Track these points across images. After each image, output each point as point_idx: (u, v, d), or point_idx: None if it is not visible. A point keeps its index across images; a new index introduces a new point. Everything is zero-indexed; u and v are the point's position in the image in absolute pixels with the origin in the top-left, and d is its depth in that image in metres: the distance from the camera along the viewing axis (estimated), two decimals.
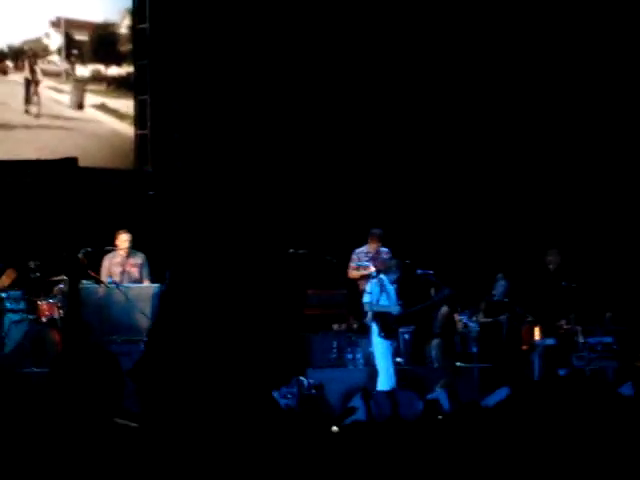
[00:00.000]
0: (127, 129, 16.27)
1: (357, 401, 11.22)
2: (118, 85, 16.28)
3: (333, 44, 16.41)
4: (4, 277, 12.73)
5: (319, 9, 16.38)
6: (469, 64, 16.67)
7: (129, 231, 13.46)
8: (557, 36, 16.51)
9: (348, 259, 14.20)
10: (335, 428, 5.69)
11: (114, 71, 16.31)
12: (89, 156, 15.32)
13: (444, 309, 13.95)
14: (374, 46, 16.51)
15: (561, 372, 13.27)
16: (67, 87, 15.95)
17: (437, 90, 16.67)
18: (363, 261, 14.09)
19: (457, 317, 13.92)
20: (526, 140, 16.72)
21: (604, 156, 16.57)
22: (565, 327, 14.39)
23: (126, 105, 16.31)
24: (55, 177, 12.95)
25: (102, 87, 16.23)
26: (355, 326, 14.01)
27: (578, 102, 16.62)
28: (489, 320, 13.79)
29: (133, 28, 16.25)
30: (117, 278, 13.16)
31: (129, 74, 16.33)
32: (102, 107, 16.13)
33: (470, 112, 16.73)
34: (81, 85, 16.02)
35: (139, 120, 16.20)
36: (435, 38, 16.60)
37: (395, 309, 12.74)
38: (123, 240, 13.35)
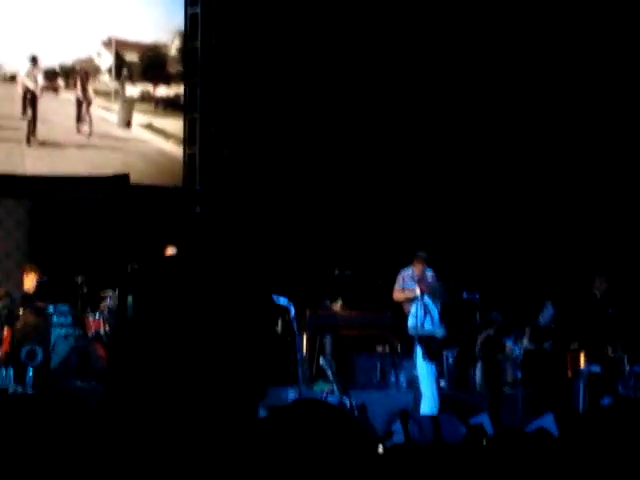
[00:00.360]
0: (173, 148, 16.42)
1: (397, 424, 11.18)
2: (166, 105, 16.46)
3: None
4: (26, 279, 12.83)
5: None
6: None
7: (176, 246, 13.56)
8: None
9: (393, 281, 14.20)
10: (381, 449, 5.70)
11: (162, 91, 16.48)
12: (138, 174, 15.46)
13: (485, 333, 13.87)
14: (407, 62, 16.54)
15: (606, 401, 13.17)
16: (116, 106, 16.14)
17: (465, 109, 16.65)
18: (408, 283, 14.08)
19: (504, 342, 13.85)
20: (573, 168, 16.64)
21: None
22: (611, 354, 14.29)
23: (173, 125, 16.47)
24: (107, 193, 13.07)
25: (150, 107, 16.40)
26: (399, 348, 13.99)
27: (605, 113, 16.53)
28: (534, 346, 13.71)
29: (184, 47, 16.42)
30: None
31: (177, 95, 16.50)
32: (149, 127, 16.30)
33: (508, 133, 16.69)
34: (129, 104, 16.19)
35: (188, 138, 16.34)
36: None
37: (439, 332, 12.70)
38: (170, 254, 13.46)
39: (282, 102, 16.22)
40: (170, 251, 13.52)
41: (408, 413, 11.69)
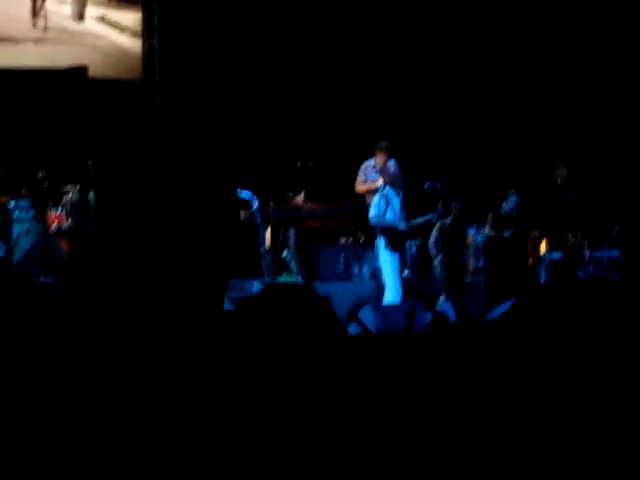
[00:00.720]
0: (128, 42, 16.15)
1: (364, 313, 11.32)
2: None
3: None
4: None
5: None
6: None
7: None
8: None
9: (356, 172, 14.18)
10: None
11: None
12: (95, 68, 15.24)
13: (441, 222, 13.91)
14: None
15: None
16: None
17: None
18: (370, 174, 14.07)
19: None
20: (536, 56, 16.59)
21: (610, 73, 16.47)
22: (572, 241, 14.44)
23: (127, 17, 16.17)
24: (64, 86, 12.91)
25: None
26: (362, 239, 14.06)
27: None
28: (496, 234, 13.81)
29: None
30: None
31: None
32: (103, 19, 16.00)
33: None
34: None
35: (147, 30, 16.08)
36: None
37: (401, 224, 12.73)
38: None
39: None
40: None
41: (375, 301, 11.85)
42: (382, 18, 16.49)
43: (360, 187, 14.13)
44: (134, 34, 16.12)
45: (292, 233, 13.66)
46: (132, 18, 16.17)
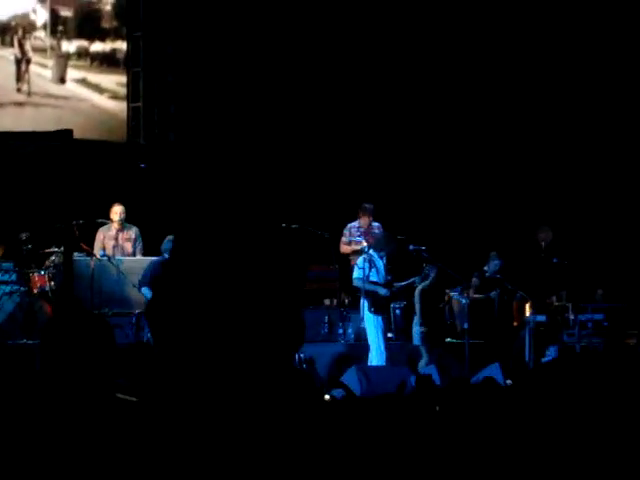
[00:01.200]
0: (110, 104, 16.22)
1: (350, 376, 11.27)
2: (101, 61, 16.26)
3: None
4: None
5: None
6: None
7: (122, 204, 13.45)
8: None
9: (340, 234, 14.21)
10: (327, 397, 5.71)
11: (98, 47, 16.27)
12: (79, 130, 15.25)
13: (421, 285, 13.91)
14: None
15: (551, 350, 13.33)
16: (50, 62, 15.89)
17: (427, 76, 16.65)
18: (355, 236, 14.10)
19: (449, 293, 13.94)
20: (519, 120, 16.72)
21: (595, 135, 16.60)
22: (556, 304, 14.46)
23: (108, 80, 16.26)
24: (50, 148, 12.94)
25: (86, 63, 16.20)
26: (347, 301, 14.04)
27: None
28: (480, 296, 13.81)
29: (122, 2, 16.22)
30: (110, 251, 13.17)
31: (113, 49, 16.30)
32: (83, 82, 16.09)
33: (461, 93, 16.72)
34: (63, 60, 15.97)
35: (132, 93, 16.17)
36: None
37: (382, 290, 12.69)
38: (116, 213, 13.36)
39: (227, 56, 16.07)
40: (116, 208, 13.40)
41: (359, 364, 11.79)
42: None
43: (344, 248, 14.15)
44: (114, 96, 16.19)
45: None
46: (112, 81, 16.26)
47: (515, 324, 13.90)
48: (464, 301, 13.60)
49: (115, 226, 13.40)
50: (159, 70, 16.16)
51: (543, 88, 16.70)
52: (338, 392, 11.00)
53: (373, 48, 16.55)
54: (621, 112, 16.52)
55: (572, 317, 14.00)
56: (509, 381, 11.12)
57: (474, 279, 14.03)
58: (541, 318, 13.74)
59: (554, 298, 14.48)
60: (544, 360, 13.10)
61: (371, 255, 12.86)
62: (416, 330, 13.60)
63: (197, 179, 13.89)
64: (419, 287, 13.57)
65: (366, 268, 12.74)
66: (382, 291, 12.68)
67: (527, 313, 13.83)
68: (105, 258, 12.76)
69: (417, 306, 13.60)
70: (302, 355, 12.63)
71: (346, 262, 13.99)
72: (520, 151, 16.65)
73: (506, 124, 16.70)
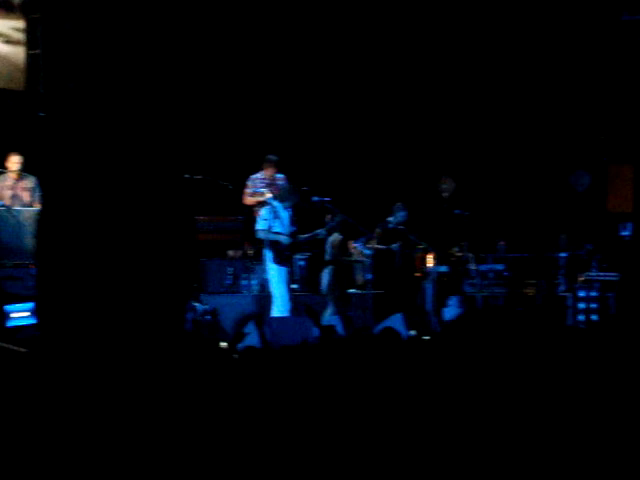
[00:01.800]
0: (3, 48, 15.79)
1: (251, 327, 11.25)
2: None
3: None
4: None
5: None
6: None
7: (20, 153, 13.18)
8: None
9: (244, 185, 14.12)
10: (224, 344, 5.67)
11: None
12: None
13: (335, 236, 13.97)
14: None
15: (452, 300, 13.48)
16: None
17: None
18: (259, 187, 14.01)
19: (352, 244, 13.99)
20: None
21: (493, 90, 16.76)
22: (458, 254, 14.62)
23: (2, 24, 15.81)
24: None
25: None
26: (251, 252, 13.98)
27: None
28: (383, 247, 13.88)
29: None
30: (7, 201, 12.91)
31: None
32: None
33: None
34: None
35: (30, 40, 15.77)
36: None
37: (285, 239, 12.67)
38: (14, 162, 13.08)
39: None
40: (13, 158, 13.12)
41: (262, 315, 11.77)
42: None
43: (248, 200, 14.06)
44: (8, 41, 15.75)
45: None
46: (6, 25, 15.81)
47: (418, 275, 14.01)
48: (367, 252, 13.65)
49: (13, 176, 13.11)
50: (58, 17, 15.77)
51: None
52: (242, 344, 11.01)
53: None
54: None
55: (474, 267, 14.18)
56: (412, 332, 11.25)
57: (377, 230, 14.07)
58: (443, 269, 13.88)
59: (456, 249, 14.64)
60: (446, 310, 13.29)
61: (275, 206, 12.81)
62: (324, 280, 13.64)
63: (87, 126, 13.71)
64: (331, 238, 13.61)
65: (270, 219, 12.68)
66: (285, 239, 12.65)
67: (429, 264, 13.95)
68: (4, 208, 12.51)
69: (327, 256, 13.65)
70: (206, 306, 12.59)
71: (250, 214, 13.92)
72: (424, 104, 16.72)
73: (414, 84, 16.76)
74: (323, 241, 13.76)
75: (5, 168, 13.07)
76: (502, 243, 15.15)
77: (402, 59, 16.69)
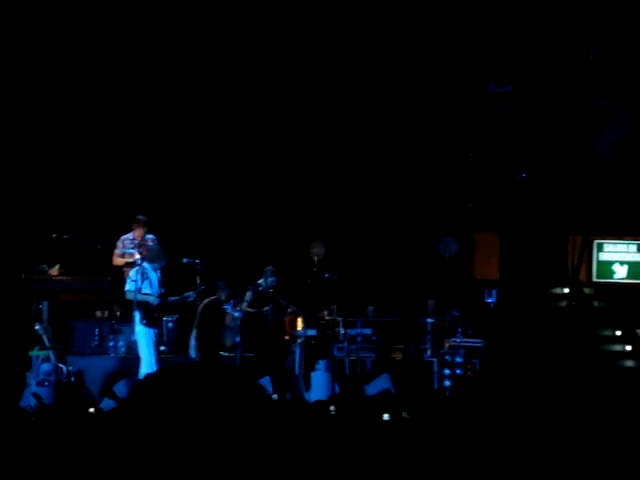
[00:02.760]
0: None
1: (120, 388, 11.13)
2: None
3: None
4: None
5: None
6: None
7: None
8: None
9: (114, 245, 14.00)
10: (92, 410, 5.61)
11: None
12: None
13: (209, 299, 13.93)
14: None
15: (320, 364, 13.52)
16: None
17: None
18: (128, 248, 13.91)
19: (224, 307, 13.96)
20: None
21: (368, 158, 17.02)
22: (327, 318, 14.71)
23: None
24: None
25: None
26: (119, 313, 13.83)
27: None
28: (253, 310, 13.87)
29: None
30: None
31: None
32: None
33: None
34: None
35: None
36: None
37: (153, 300, 12.57)
38: None
39: None
40: None
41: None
42: None
43: (117, 260, 13.94)
44: None
45: (45, 306, 13.26)
46: None
47: (287, 338, 14.03)
48: (237, 315, 13.63)
49: None
50: None
51: None
52: (107, 402, 10.86)
53: None
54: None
55: (342, 331, 14.28)
56: (275, 396, 11.24)
57: (248, 293, 14.07)
58: (312, 332, 13.94)
59: (325, 312, 14.73)
60: (313, 373, 13.32)
61: (144, 267, 12.72)
62: (192, 343, 13.56)
63: None
64: (205, 301, 13.58)
65: (139, 280, 12.59)
66: (153, 300, 12.55)
67: (299, 327, 13.99)
68: None
69: (196, 320, 13.59)
70: (70, 368, 12.36)
71: (119, 274, 13.78)
72: (295, 168, 16.87)
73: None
74: (193, 303, 13.69)
75: None
76: (371, 308, 15.29)
77: (272, 123, 16.87)
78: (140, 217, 13.99)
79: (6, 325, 12.78)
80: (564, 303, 16.06)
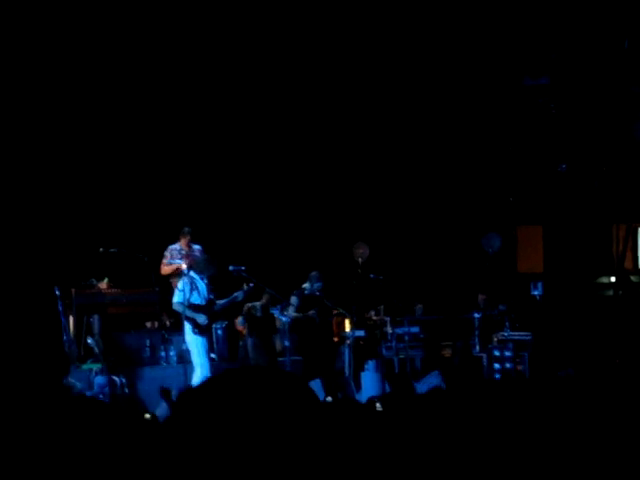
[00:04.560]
0: None
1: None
2: None
3: None
4: None
5: None
6: None
7: None
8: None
9: (161, 257, 14.16)
10: (148, 415, 5.73)
11: None
12: None
13: (250, 304, 14.04)
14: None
15: (370, 363, 13.59)
16: None
17: None
18: (175, 258, 14.07)
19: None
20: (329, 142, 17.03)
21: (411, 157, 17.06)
22: (374, 318, 14.79)
23: None
24: None
25: None
26: (168, 323, 13.98)
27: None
28: (300, 314, 13.99)
29: None
30: None
31: None
32: None
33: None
34: None
35: None
36: None
37: (203, 320, 12.63)
38: None
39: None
40: None
41: (168, 389, 11.78)
42: None
43: (165, 269, 14.10)
44: None
45: (96, 320, 13.46)
46: None
47: (335, 340, 14.13)
48: (285, 319, 13.75)
49: None
50: None
51: None
52: (162, 411, 11.00)
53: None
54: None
55: (390, 331, 14.34)
56: (329, 398, 11.32)
57: (294, 298, 14.19)
58: (360, 333, 14.03)
59: (372, 313, 14.81)
60: (363, 373, 13.40)
61: (192, 277, 12.86)
62: (250, 351, 13.71)
63: None
64: (248, 305, 13.70)
65: (187, 290, 12.72)
66: (201, 319, 12.65)
67: (347, 329, 14.09)
68: None
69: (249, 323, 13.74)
70: (123, 380, 12.53)
71: (167, 284, 13.93)
72: (337, 170, 16.95)
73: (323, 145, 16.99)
74: (240, 309, 13.83)
75: None
76: (420, 306, 15.35)
77: (313, 126, 16.94)
78: (186, 229, 14.15)
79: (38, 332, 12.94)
80: (611, 292, 16.03)
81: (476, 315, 14.52)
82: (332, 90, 16.77)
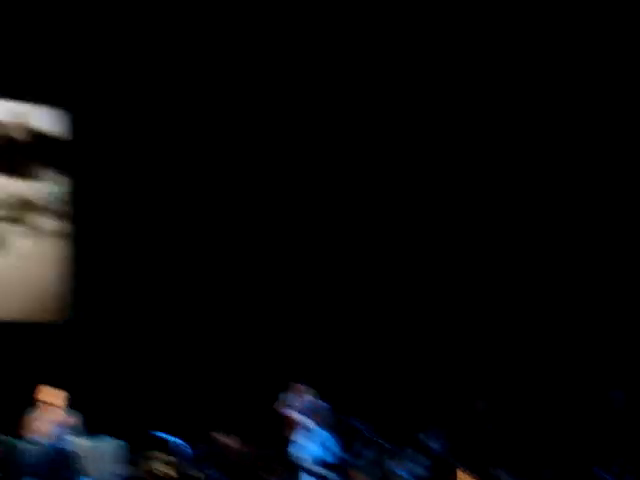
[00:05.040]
0: None
1: None
2: None
3: None
4: None
5: None
6: None
7: None
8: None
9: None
10: None
11: None
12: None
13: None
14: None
15: None
16: None
17: None
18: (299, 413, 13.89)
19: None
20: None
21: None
22: (494, 474, 14.40)
23: None
24: None
25: None
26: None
27: None
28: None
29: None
30: None
31: None
32: None
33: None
34: None
35: None
36: None
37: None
38: None
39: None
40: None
41: None
42: None
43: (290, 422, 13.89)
44: None
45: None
46: None
47: None
48: (406, 474, 13.49)
49: None
50: None
51: None
52: None
53: None
54: None
55: None
56: None
57: (411, 452, 13.92)
58: None
59: (493, 467, 14.45)
60: None
61: (319, 434, 12.65)
62: None
63: None
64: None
65: (313, 447, 12.53)
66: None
67: None
68: None
69: None
70: None
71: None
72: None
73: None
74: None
75: None
76: None
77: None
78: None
79: None
80: None
81: None
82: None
